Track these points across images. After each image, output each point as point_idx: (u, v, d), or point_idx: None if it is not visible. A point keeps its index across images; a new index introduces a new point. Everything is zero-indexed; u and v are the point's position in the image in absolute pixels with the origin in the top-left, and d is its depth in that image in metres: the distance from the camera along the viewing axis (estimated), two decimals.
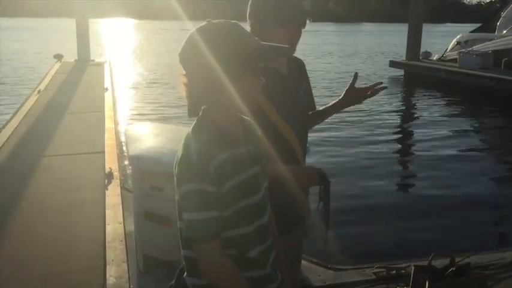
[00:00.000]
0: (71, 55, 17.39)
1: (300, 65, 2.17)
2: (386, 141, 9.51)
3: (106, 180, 5.00)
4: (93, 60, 17.14)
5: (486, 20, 23.10)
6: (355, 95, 2.26)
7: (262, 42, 1.49)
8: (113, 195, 4.68)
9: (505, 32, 18.42)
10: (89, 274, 3.30)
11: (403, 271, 3.38)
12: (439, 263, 3.03)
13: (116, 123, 7.99)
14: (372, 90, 2.23)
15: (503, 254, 3.70)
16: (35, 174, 5.29)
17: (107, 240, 3.75)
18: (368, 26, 68.28)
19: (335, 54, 28.83)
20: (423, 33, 19.39)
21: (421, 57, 19.17)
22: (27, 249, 3.63)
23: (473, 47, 17.48)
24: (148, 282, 3.22)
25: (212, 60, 1.39)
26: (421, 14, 19.46)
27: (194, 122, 1.51)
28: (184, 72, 1.47)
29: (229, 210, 1.45)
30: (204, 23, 1.48)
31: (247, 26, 1.83)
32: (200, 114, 1.50)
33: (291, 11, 1.91)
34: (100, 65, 16.18)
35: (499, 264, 3.53)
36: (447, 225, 5.47)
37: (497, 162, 8.87)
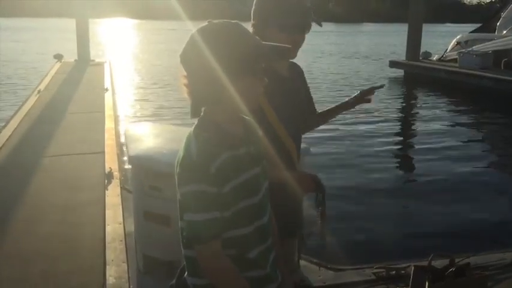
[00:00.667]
0: (71, 55, 17.39)
1: (299, 71, 2.16)
2: (386, 141, 9.52)
3: (106, 180, 5.00)
4: (93, 60, 17.14)
5: (486, 20, 23.08)
6: (362, 98, 2.27)
7: (263, 42, 1.49)
8: (112, 195, 4.68)
9: (505, 32, 18.42)
10: (88, 274, 3.30)
11: (402, 271, 3.38)
12: (438, 263, 3.03)
13: (115, 124, 7.99)
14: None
15: (503, 254, 3.70)
16: (35, 174, 5.29)
17: (106, 240, 3.75)
18: (368, 26, 68.26)
19: (335, 54, 28.83)
20: (423, 34, 19.38)
21: (421, 58, 19.16)
22: (27, 248, 3.63)
23: (473, 47, 17.47)
24: (148, 283, 3.22)
25: (213, 61, 1.39)
26: (421, 14, 19.45)
27: (196, 123, 1.51)
28: (185, 73, 1.47)
29: (230, 211, 1.45)
30: (205, 23, 1.48)
31: (247, 27, 1.83)
32: (202, 114, 1.51)
33: (290, 16, 1.88)
34: (100, 65, 16.18)
35: (499, 264, 3.53)
36: (447, 226, 5.47)
37: (497, 162, 8.87)
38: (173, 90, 13.56)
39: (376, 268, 3.44)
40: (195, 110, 1.49)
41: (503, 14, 19.56)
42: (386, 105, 13.49)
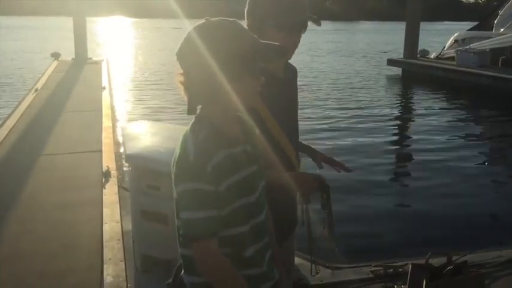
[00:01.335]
0: (68, 54, 17.36)
1: (294, 72, 2.14)
2: (383, 140, 9.52)
3: (103, 179, 5.00)
4: (90, 59, 17.11)
5: (484, 18, 23.09)
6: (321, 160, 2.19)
7: (261, 41, 1.48)
8: (110, 194, 4.67)
9: (502, 30, 18.43)
10: (86, 273, 3.30)
11: (400, 269, 3.39)
12: (436, 261, 3.04)
13: (113, 122, 7.99)
14: (336, 165, 2.18)
15: (500, 252, 3.71)
16: (32, 173, 5.28)
17: (104, 239, 3.75)
18: (365, 25, 68.27)
19: (332, 52, 28.82)
20: (421, 32, 19.41)
21: (418, 56, 19.18)
22: (25, 248, 3.63)
23: (471, 45, 17.49)
24: (146, 281, 3.22)
25: (209, 58, 1.39)
26: (419, 12, 19.46)
27: (192, 121, 1.51)
28: (181, 71, 1.46)
29: (226, 209, 1.45)
30: (202, 21, 1.47)
31: (244, 25, 1.81)
32: (198, 112, 1.50)
33: (288, 15, 1.85)
34: (97, 63, 16.14)
35: (495, 262, 3.54)
36: (444, 224, 5.48)
37: (494, 160, 8.89)
38: (171, 88, 13.54)
39: (373, 266, 3.45)
40: (191, 107, 1.48)
41: (500, 12, 19.57)
42: (383, 103, 13.51)
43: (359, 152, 8.45)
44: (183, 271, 1.57)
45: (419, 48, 19.48)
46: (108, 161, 5.57)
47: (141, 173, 3.21)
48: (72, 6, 17.90)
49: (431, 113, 12.50)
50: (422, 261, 3.01)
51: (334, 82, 17.01)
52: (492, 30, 19.20)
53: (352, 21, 71.78)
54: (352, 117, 11.26)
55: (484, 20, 22.32)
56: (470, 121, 12.09)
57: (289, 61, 2.11)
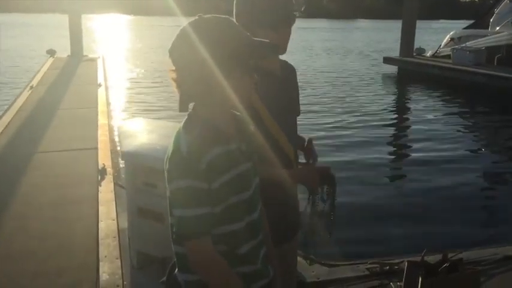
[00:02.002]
0: (63, 51, 17.30)
1: (292, 71, 2.14)
2: (380, 138, 9.53)
3: (99, 177, 4.98)
4: (86, 56, 17.06)
5: (479, 16, 23.13)
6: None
7: (253, 38, 1.47)
8: (106, 191, 4.66)
9: (498, 28, 18.46)
10: (82, 270, 3.29)
11: (396, 267, 3.39)
12: (432, 258, 3.05)
13: (109, 119, 7.96)
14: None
15: (495, 249, 3.72)
16: (28, 171, 5.26)
17: (100, 236, 3.74)
18: (362, 23, 68.33)
19: (329, 50, 28.85)
20: (417, 30, 19.45)
21: (414, 54, 19.22)
22: (20, 245, 3.61)
23: (467, 44, 17.54)
24: (142, 279, 3.21)
25: (201, 55, 1.37)
26: (415, 10, 19.50)
27: (185, 118, 1.50)
28: (173, 68, 1.45)
29: (220, 207, 1.44)
30: (195, 17, 1.46)
31: None
32: (191, 109, 1.49)
33: (277, 12, 1.86)
34: (93, 60, 16.10)
35: (491, 260, 3.55)
36: (440, 222, 5.50)
37: (489, 158, 8.92)
38: (167, 86, 13.51)
39: (369, 264, 3.45)
40: (183, 104, 1.47)
41: (496, 10, 19.61)
42: (379, 101, 13.53)
43: (354, 150, 8.47)
44: (177, 269, 1.56)
45: (416, 46, 19.52)
46: (103, 159, 5.55)
47: (137, 170, 3.21)
48: (67, 3, 17.83)
49: (427, 111, 12.53)
50: (418, 258, 3.01)
51: (330, 80, 17.02)
52: (488, 28, 19.24)
53: (349, 20, 71.89)
54: (347, 115, 11.27)
55: (480, 18, 22.35)
56: (465, 119, 12.11)
57: (286, 59, 2.11)
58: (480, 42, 17.31)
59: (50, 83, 11.37)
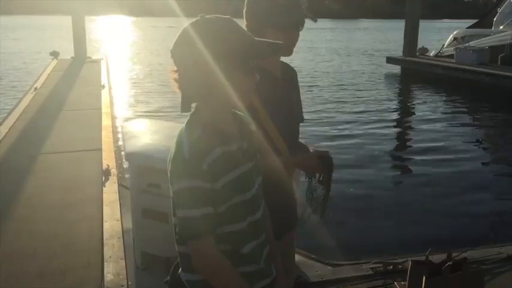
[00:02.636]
0: (67, 52, 17.35)
1: (293, 75, 2.14)
2: (384, 137, 9.52)
3: (103, 177, 5.00)
4: (89, 58, 17.10)
5: (483, 15, 23.10)
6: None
7: (256, 38, 1.47)
8: (110, 192, 4.68)
9: (501, 27, 18.43)
10: (86, 271, 3.31)
11: (400, 266, 3.39)
12: (436, 258, 3.04)
13: (112, 120, 7.99)
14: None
15: (499, 249, 3.71)
16: (32, 172, 5.29)
17: (104, 237, 3.76)
18: (365, 23, 68.25)
19: (332, 50, 28.82)
20: (420, 30, 19.41)
21: (417, 54, 19.19)
22: (25, 246, 3.63)
23: (470, 43, 17.49)
24: (146, 279, 3.22)
25: (203, 56, 1.38)
26: (418, 10, 19.46)
27: (187, 119, 1.50)
28: (175, 68, 1.45)
29: (223, 207, 1.45)
30: (197, 17, 1.46)
31: (243, 24, 1.82)
32: (193, 110, 1.50)
33: (286, 14, 1.87)
34: (97, 62, 16.14)
35: (495, 259, 3.54)
36: (444, 221, 5.49)
37: (493, 157, 8.90)
38: (170, 86, 13.52)
39: (373, 263, 3.45)
40: (185, 105, 1.47)
41: (499, 10, 19.57)
42: (383, 101, 13.51)
43: (358, 149, 8.46)
44: (180, 269, 1.57)
45: (419, 46, 19.49)
46: (108, 159, 5.57)
47: (142, 171, 3.22)
48: (70, 5, 17.87)
49: (430, 110, 12.51)
50: (422, 257, 3.01)
51: (334, 80, 17.01)
52: (491, 27, 19.21)
53: (352, 20, 71.79)
54: (351, 114, 11.26)
55: (483, 17, 22.33)
56: (469, 119, 12.09)
57: (289, 61, 2.11)
58: (483, 42, 17.27)
59: (54, 84, 11.41)
